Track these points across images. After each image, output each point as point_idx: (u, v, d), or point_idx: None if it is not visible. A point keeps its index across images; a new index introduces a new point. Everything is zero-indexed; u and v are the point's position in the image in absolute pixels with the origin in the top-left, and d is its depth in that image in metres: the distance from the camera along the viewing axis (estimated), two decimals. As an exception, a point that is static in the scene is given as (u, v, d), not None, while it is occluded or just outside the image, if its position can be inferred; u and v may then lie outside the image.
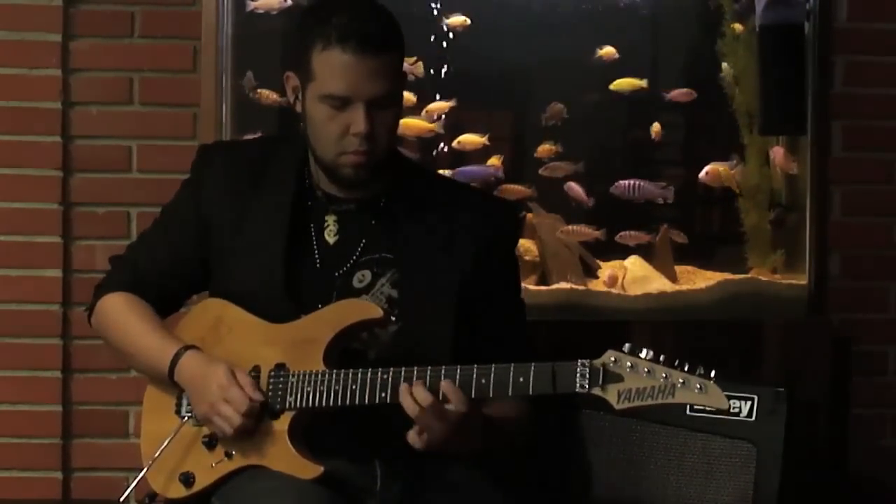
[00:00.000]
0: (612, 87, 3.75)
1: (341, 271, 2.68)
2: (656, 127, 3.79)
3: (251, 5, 3.63)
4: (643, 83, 3.77)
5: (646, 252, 3.79)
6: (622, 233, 3.75)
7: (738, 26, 3.79)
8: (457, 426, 2.48)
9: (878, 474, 3.73)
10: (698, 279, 3.81)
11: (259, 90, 3.65)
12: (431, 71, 3.74)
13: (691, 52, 3.99)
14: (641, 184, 3.72)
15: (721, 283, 3.74)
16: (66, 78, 3.63)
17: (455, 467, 2.65)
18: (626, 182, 3.72)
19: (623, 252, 3.79)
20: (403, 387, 2.48)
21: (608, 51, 3.75)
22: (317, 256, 2.70)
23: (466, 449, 2.55)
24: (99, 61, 3.64)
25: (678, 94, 3.79)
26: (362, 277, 2.68)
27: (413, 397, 2.47)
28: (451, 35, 3.74)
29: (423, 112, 3.72)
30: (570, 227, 3.73)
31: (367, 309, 2.60)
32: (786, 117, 3.73)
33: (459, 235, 2.68)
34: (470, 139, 3.76)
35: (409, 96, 3.49)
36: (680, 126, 4.08)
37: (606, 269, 3.78)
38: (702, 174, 3.78)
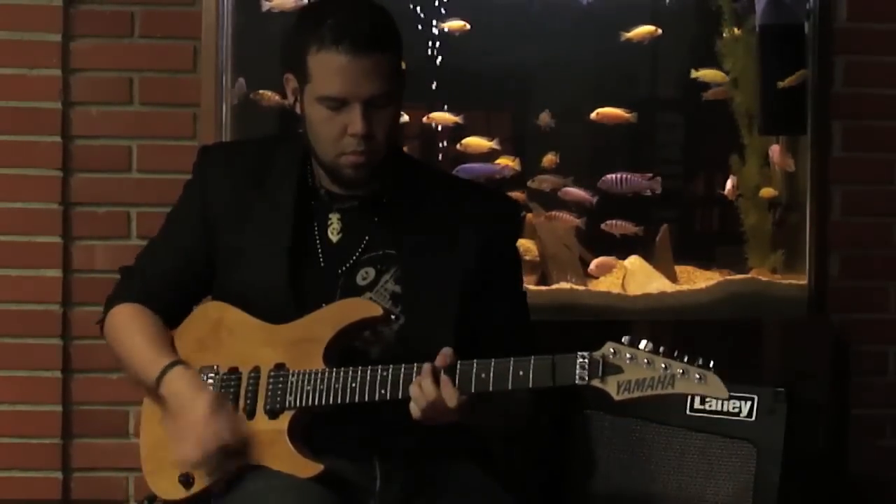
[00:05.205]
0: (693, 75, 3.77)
1: (345, 269, 2.68)
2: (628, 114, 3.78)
3: (266, 5, 3.63)
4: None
5: (646, 252, 3.80)
6: (608, 221, 3.74)
7: (736, 30, 3.80)
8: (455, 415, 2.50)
9: (878, 474, 3.73)
10: (698, 279, 3.81)
11: (260, 92, 3.66)
12: (439, 79, 3.76)
13: (691, 53, 3.99)
14: (628, 176, 3.72)
15: (721, 283, 3.74)
16: (66, 78, 3.62)
17: (455, 467, 2.66)
18: (613, 176, 3.72)
19: (624, 250, 3.79)
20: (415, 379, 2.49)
21: (641, 31, 3.74)
22: (320, 255, 2.70)
23: (460, 420, 2.54)
24: (99, 61, 3.64)
25: (714, 92, 3.78)
26: (366, 275, 2.68)
27: (420, 387, 2.49)
28: (437, 42, 3.75)
29: (425, 118, 3.73)
30: (553, 212, 3.74)
31: (366, 308, 2.60)
32: (786, 117, 3.74)
33: (462, 230, 2.69)
34: (476, 142, 3.76)
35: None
36: (680, 126, 4.09)
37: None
38: (728, 188, 3.79)
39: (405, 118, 3.66)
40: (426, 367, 2.49)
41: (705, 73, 3.76)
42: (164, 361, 2.65)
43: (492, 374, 2.48)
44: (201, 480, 2.63)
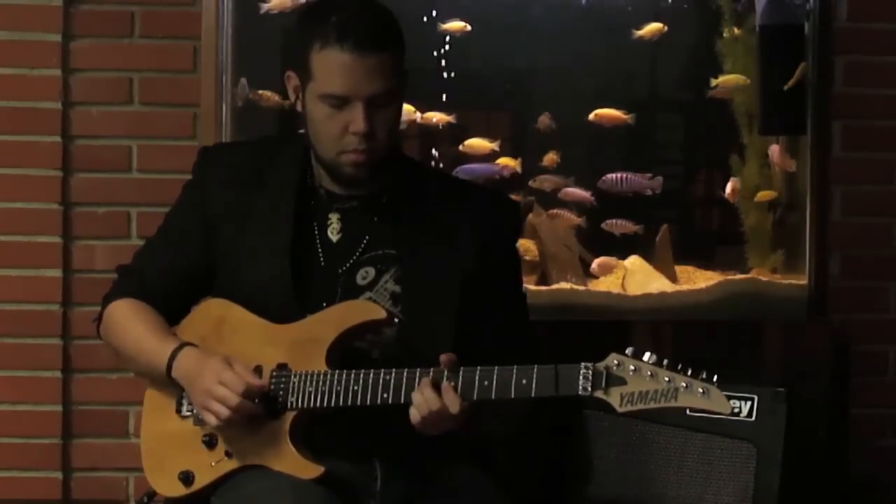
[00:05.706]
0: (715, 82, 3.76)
1: (345, 268, 2.68)
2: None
3: (265, 7, 3.63)
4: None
5: (646, 252, 3.80)
6: (608, 221, 3.74)
7: (736, 30, 3.80)
8: (454, 423, 2.50)
9: (878, 474, 3.73)
10: (698, 279, 3.81)
11: (260, 92, 3.65)
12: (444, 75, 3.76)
13: (691, 53, 3.99)
14: (629, 176, 3.73)
15: (721, 283, 3.74)
16: (66, 78, 3.62)
17: (455, 467, 2.66)
18: (614, 175, 3.73)
19: (624, 250, 3.79)
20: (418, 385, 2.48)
21: (651, 28, 3.73)
22: (320, 254, 2.70)
23: (460, 428, 2.54)
24: (99, 61, 3.64)
25: (718, 91, 3.78)
26: (366, 274, 2.68)
27: (422, 393, 2.48)
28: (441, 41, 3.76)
29: (420, 117, 3.73)
30: (554, 210, 3.75)
31: (370, 310, 2.60)
32: (786, 117, 3.74)
33: (461, 230, 2.69)
34: (478, 143, 3.76)
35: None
36: (679, 126, 4.09)
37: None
38: (728, 191, 3.79)
39: (416, 116, 3.66)
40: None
41: (727, 79, 3.76)
42: (170, 347, 2.65)
43: (494, 382, 2.47)
44: (202, 478, 2.63)
